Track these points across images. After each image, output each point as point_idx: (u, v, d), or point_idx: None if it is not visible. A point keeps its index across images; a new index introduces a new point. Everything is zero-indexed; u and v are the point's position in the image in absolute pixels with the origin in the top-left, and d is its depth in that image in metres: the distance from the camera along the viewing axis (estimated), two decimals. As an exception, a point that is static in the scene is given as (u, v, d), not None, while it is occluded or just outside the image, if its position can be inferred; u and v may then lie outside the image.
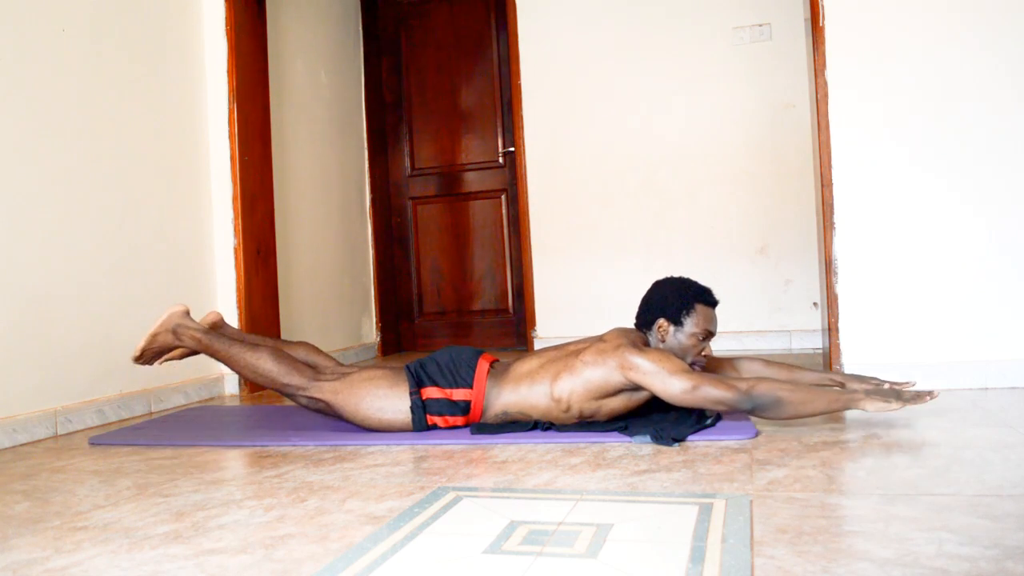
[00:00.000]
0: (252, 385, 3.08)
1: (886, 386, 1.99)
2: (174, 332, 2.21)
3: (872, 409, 1.82)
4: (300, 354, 2.33)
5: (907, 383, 2.01)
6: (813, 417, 1.94)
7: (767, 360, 2.19)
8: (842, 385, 2.04)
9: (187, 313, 2.25)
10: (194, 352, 2.27)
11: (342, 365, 2.32)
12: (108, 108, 2.64)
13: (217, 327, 2.39)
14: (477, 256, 4.46)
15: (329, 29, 4.17)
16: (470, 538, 1.24)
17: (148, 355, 2.24)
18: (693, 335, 2.02)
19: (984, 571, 1.02)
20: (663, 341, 2.04)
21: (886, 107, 2.48)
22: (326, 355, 2.38)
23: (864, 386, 2.00)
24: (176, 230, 2.92)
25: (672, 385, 1.85)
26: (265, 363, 2.12)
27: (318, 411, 2.17)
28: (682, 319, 2.03)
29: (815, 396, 1.83)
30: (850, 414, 2.07)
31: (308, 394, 2.12)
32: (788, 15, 3.78)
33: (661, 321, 2.04)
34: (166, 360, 2.41)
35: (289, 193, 3.66)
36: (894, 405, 1.83)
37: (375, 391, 2.07)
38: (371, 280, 4.47)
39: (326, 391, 2.10)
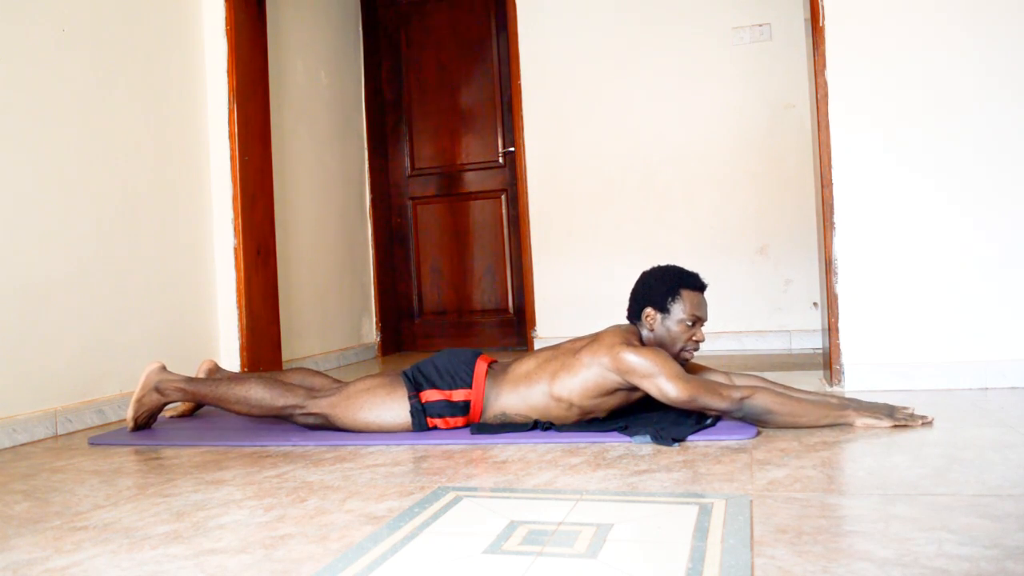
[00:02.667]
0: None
1: (880, 405, 1.98)
2: (157, 390, 2.25)
3: (860, 424, 1.88)
4: (296, 378, 2.33)
5: (905, 408, 1.98)
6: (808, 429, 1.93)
7: (767, 380, 2.15)
8: None
9: (163, 368, 2.28)
10: (196, 402, 2.31)
11: (340, 382, 2.31)
12: (108, 108, 2.64)
13: (212, 374, 2.43)
14: (477, 256, 4.46)
15: (329, 29, 4.17)
16: (470, 538, 1.24)
17: (141, 420, 2.28)
18: (681, 321, 2.00)
19: (984, 571, 1.02)
20: (652, 331, 2.03)
21: (887, 107, 2.48)
22: (324, 375, 2.38)
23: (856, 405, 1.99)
24: (176, 230, 2.92)
25: (668, 389, 1.86)
26: (255, 392, 2.12)
27: (318, 427, 2.16)
28: (668, 306, 2.01)
29: (806, 410, 1.88)
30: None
31: (306, 411, 2.11)
32: (788, 15, 3.78)
33: (648, 310, 2.04)
34: (178, 416, 2.48)
35: (289, 193, 3.66)
36: (884, 422, 1.87)
37: (372, 399, 2.07)
38: (371, 280, 4.47)
39: (323, 406, 2.10)
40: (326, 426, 2.13)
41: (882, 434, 1.82)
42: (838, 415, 1.89)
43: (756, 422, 1.88)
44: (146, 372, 2.26)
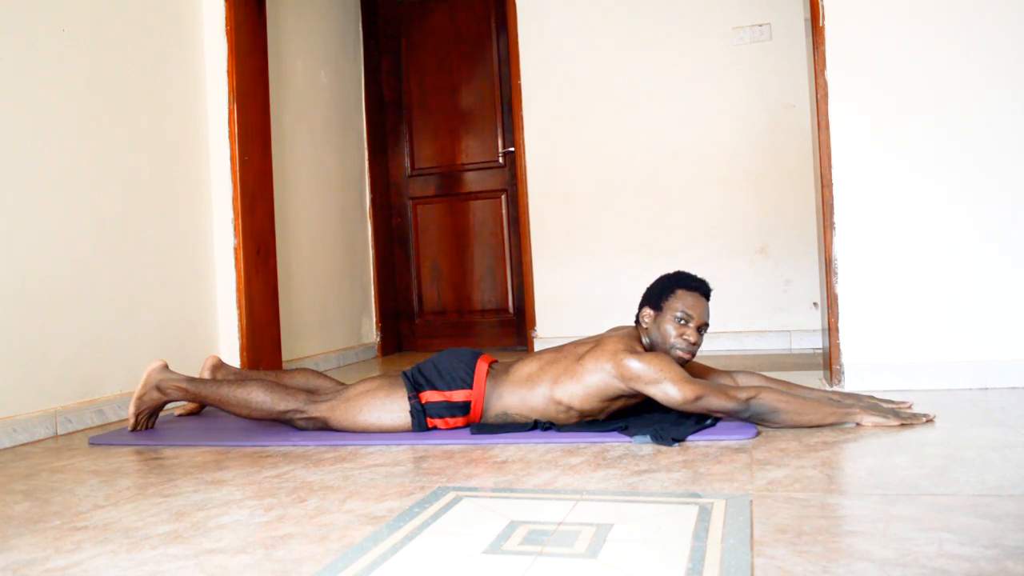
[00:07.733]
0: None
1: (884, 405, 2.01)
2: (158, 389, 2.24)
3: (868, 423, 1.89)
4: (298, 380, 2.34)
5: (904, 403, 2.01)
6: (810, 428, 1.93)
7: (767, 377, 2.18)
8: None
9: (165, 367, 2.27)
10: (198, 402, 2.31)
11: (343, 384, 2.31)
12: (108, 108, 2.64)
13: (217, 370, 2.43)
14: (477, 256, 4.46)
15: (329, 29, 4.17)
16: (470, 538, 1.24)
17: (142, 418, 2.28)
18: (673, 318, 1.99)
19: (984, 571, 1.02)
20: (647, 330, 2.04)
21: (887, 107, 2.48)
22: (327, 377, 2.39)
23: (862, 404, 2.02)
24: (176, 230, 2.92)
25: (673, 394, 1.86)
26: (256, 395, 2.12)
27: (318, 431, 2.16)
28: (662, 304, 2.02)
29: (812, 408, 1.89)
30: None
31: (306, 415, 2.11)
32: (788, 15, 3.78)
33: (645, 309, 2.06)
34: (185, 414, 2.48)
35: (289, 193, 3.66)
36: (892, 422, 1.88)
37: (372, 401, 2.07)
38: (371, 280, 4.47)
39: (323, 409, 2.10)
40: (325, 430, 2.12)
41: (882, 434, 1.82)
42: (844, 413, 1.89)
43: (762, 422, 1.88)
44: (148, 370, 2.25)
